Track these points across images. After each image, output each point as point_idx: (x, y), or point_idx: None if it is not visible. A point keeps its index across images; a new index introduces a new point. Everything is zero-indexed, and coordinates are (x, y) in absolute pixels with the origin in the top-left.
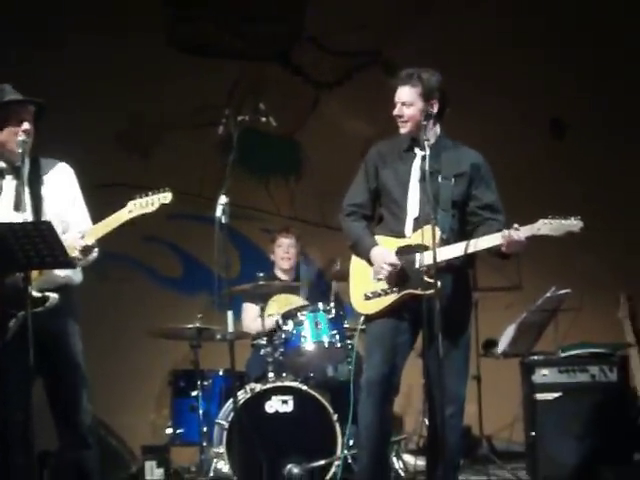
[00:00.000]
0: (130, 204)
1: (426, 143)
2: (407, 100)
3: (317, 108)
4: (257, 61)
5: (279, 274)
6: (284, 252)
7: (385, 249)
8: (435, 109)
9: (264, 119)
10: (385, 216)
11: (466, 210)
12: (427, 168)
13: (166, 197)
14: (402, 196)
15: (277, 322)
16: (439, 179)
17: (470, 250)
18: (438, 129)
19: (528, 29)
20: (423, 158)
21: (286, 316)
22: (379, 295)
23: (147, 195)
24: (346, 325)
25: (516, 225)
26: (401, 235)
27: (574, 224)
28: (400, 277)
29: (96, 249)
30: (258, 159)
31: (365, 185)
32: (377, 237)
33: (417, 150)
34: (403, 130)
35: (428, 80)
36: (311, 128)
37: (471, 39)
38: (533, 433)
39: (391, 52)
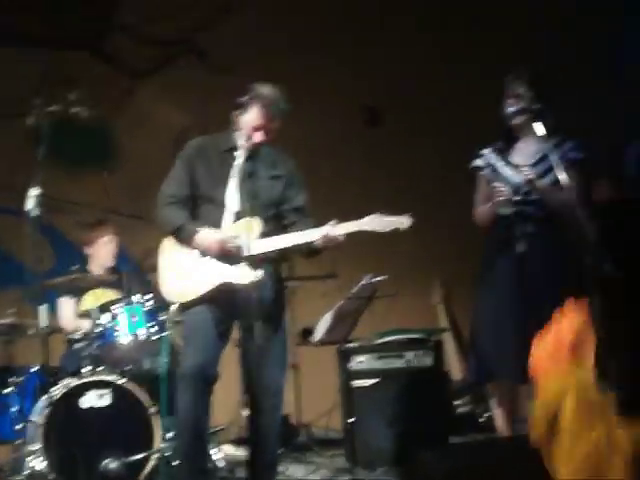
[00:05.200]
0: None
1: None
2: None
3: (130, 97)
4: (68, 50)
5: (94, 268)
6: (110, 251)
7: (212, 230)
8: None
9: (75, 110)
10: (201, 211)
11: (281, 210)
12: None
13: None
14: (221, 193)
15: (93, 319)
16: (258, 179)
17: (289, 243)
18: None
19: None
20: (244, 159)
21: (102, 309)
22: (194, 284)
23: None
24: (163, 317)
25: (332, 223)
26: (218, 228)
27: (402, 221)
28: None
29: None
30: (71, 150)
31: (184, 178)
32: None
33: (238, 151)
34: (262, 140)
35: None
36: (125, 118)
37: (282, 29)
38: (351, 420)
39: (204, 41)
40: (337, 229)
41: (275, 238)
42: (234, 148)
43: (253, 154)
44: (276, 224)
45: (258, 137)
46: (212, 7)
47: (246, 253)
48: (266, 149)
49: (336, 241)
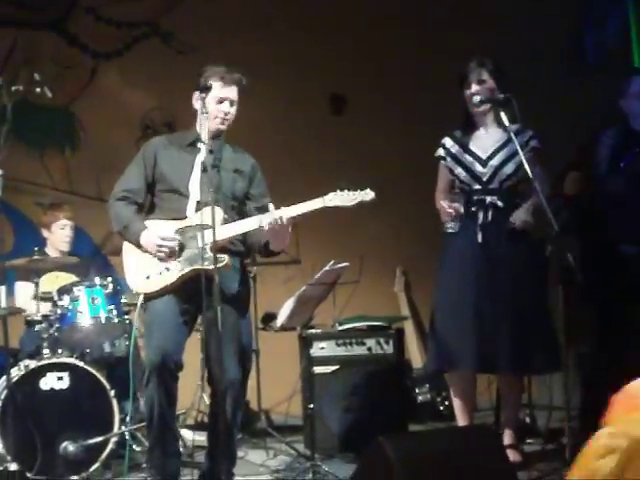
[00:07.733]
0: None
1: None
2: (235, 99)
3: (94, 79)
4: (32, 29)
5: (51, 252)
6: (66, 235)
7: (156, 229)
8: None
9: (39, 90)
10: (162, 204)
11: (244, 209)
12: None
13: None
14: (184, 185)
15: (53, 301)
16: (221, 172)
17: (241, 230)
18: None
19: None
20: (208, 152)
21: (62, 291)
22: (160, 274)
23: None
24: (124, 300)
25: (283, 208)
26: (181, 217)
27: (365, 193)
28: (181, 252)
29: None
30: (33, 130)
31: (142, 172)
32: (152, 222)
33: (200, 145)
34: (222, 128)
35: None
36: (88, 99)
37: (248, 13)
38: (311, 406)
39: (169, 22)
40: (288, 210)
41: (227, 226)
42: (196, 141)
43: (216, 148)
44: (239, 217)
45: (226, 107)
46: None
47: (203, 241)
48: (228, 147)
49: (282, 226)
